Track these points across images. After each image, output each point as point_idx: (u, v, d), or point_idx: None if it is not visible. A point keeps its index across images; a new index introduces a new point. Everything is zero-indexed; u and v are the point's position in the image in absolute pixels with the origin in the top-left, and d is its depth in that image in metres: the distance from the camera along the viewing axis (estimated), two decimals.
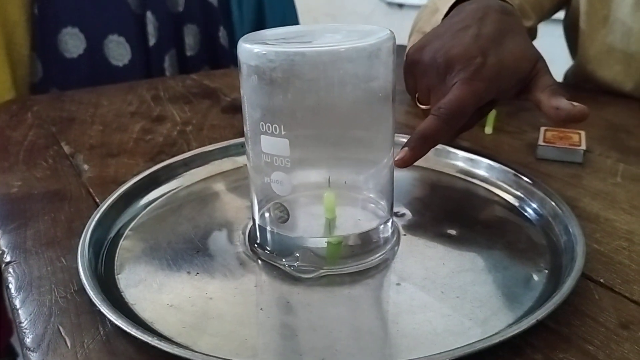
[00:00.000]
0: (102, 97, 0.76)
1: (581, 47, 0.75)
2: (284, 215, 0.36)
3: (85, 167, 0.54)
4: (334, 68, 0.32)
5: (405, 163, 0.38)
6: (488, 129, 0.60)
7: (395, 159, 0.38)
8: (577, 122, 0.40)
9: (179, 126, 0.64)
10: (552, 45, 0.87)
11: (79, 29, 0.93)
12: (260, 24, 1.34)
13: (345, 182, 0.38)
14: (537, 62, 0.43)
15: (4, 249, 0.40)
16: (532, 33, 0.77)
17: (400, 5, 2.44)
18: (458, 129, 0.42)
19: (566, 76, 0.83)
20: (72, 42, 0.93)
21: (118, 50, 0.96)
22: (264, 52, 0.32)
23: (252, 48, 0.33)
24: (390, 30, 0.34)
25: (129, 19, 0.97)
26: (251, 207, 0.38)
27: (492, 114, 0.63)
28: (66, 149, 0.58)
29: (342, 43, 0.33)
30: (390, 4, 2.49)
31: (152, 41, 0.99)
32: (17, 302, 0.34)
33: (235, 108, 0.71)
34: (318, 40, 0.35)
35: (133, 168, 0.53)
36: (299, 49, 0.32)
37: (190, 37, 1.05)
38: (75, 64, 0.94)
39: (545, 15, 0.77)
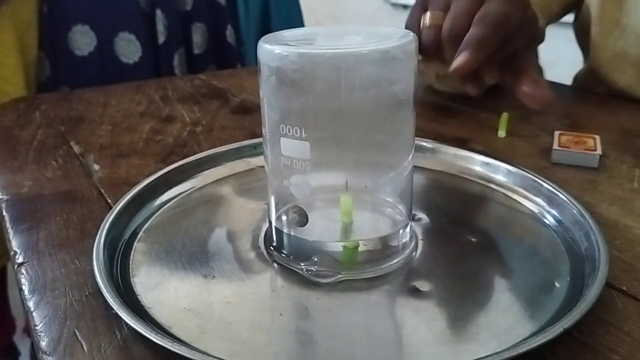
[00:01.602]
0: (110, 97, 0.75)
1: (593, 51, 0.74)
2: (302, 219, 0.35)
3: (96, 167, 0.53)
4: (356, 70, 0.32)
5: (467, 66, 0.40)
6: (501, 133, 0.59)
7: (454, 65, 0.38)
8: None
9: (188, 127, 0.64)
10: (559, 48, 0.87)
11: (90, 27, 0.93)
12: (265, 23, 1.34)
13: (365, 186, 0.37)
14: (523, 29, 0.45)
15: (15, 249, 0.40)
16: (541, 34, 0.76)
17: (405, 6, 2.43)
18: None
19: (576, 79, 0.83)
20: (83, 39, 0.93)
21: (128, 48, 0.96)
22: (286, 53, 0.32)
23: (273, 49, 0.32)
24: (412, 33, 0.34)
25: (139, 17, 0.96)
26: (268, 210, 0.38)
27: (505, 118, 0.62)
28: (76, 148, 0.58)
29: (364, 45, 0.32)
30: (394, 5, 2.49)
31: (161, 39, 0.99)
32: (31, 305, 0.34)
33: (245, 109, 0.70)
34: (339, 42, 0.35)
35: (144, 169, 0.52)
36: (321, 51, 0.32)
37: (198, 35, 1.05)
38: (85, 61, 0.93)
39: (554, 17, 0.76)
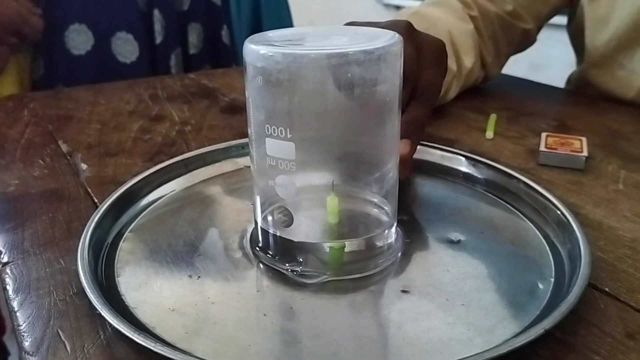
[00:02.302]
0: (99, 96, 0.75)
1: (585, 53, 0.75)
2: (287, 219, 0.35)
3: (83, 166, 0.53)
4: (342, 71, 0.32)
5: (410, 155, 0.41)
6: (489, 134, 0.60)
7: (401, 152, 0.39)
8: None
9: (177, 126, 0.64)
10: (551, 50, 0.87)
11: (87, 26, 0.93)
12: (256, 23, 1.34)
13: (350, 187, 0.37)
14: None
15: (0, 249, 0.40)
16: (530, 36, 0.77)
17: (397, 7, 2.44)
18: None
19: (569, 81, 0.83)
20: (80, 38, 0.93)
21: (126, 47, 0.96)
22: (271, 53, 0.32)
23: (258, 49, 0.32)
24: (397, 34, 0.34)
25: (136, 16, 0.96)
26: (254, 210, 0.38)
27: (493, 119, 0.63)
28: (63, 147, 0.58)
29: (350, 46, 0.32)
30: (387, 6, 2.50)
31: (158, 39, 0.99)
32: (15, 305, 0.34)
33: (234, 108, 0.70)
34: (325, 42, 0.35)
35: (132, 168, 0.52)
36: (306, 51, 0.32)
37: (194, 35, 1.05)
38: (81, 60, 0.93)
39: (543, 19, 0.77)
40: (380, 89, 0.33)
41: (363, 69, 0.32)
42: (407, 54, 0.38)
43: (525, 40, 0.77)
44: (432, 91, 0.47)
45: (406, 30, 0.46)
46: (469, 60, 0.68)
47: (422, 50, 0.46)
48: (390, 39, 0.33)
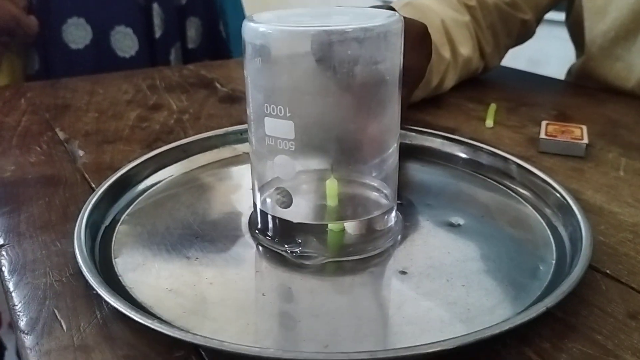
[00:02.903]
0: (97, 86, 0.75)
1: (585, 45, 0.74)
2: (286, 200, 0.35)
3: (81, 153, 0.53)
4: (341, 48, 0.32)
5: None
6: (489, 122, 0.59)
7: None
8: None
9: (175, 114, 0.63)
10: (549, 46, 0.87)
11: (85, 20, 0.92)
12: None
13: (349, 170, 0.37)
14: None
15: None
16: (529, 27, 0.76)
17: None
18: None
19: (570, 72, 0.83)
20: (78, 32, 0.92)
21: (125, 42, 0.95)
22: (270, 30, 0.31)
23: (257, 27, 0.32)
24: (398, 14, 0.34)
25: (135, 10, 0.95)
26: (252, 193, 0.37)
27: (493, 108, 0.62)
28: (60, 135, 0.57)
29: (350, 23, 0.32)
30: (388, 3, 2.49)
31: (158, 33, 0.98)
32: (10, 285, 0.33)
33: (233, 98, 0.70)
34: (325, 20, 0.34)
35: (129, 155, 0.52)
36: (305, 28, 0.31)
37: (193, 30, 1.04)
38: (80, 54, 0.92)
39: (541, 11, 0.77)
40: (380, 67, 0.33)
41: (363, 47, 0.32)
42: None
43: (524, 32, 0.77)
44: (413, 73, 0.48)
45: None
46: (465, 50, 0.68)
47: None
48: (390, 16, 0.33)
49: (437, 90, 0.66)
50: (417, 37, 0.48)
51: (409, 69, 0.46)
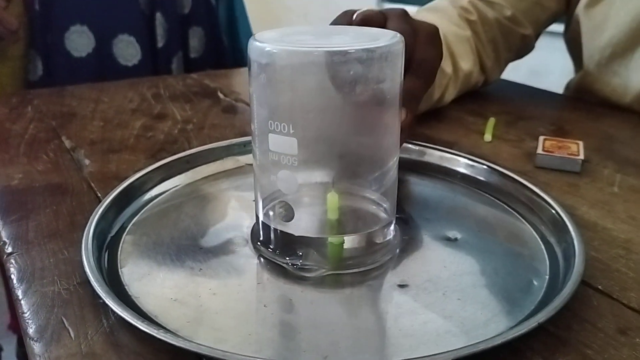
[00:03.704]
0: (102, 94, 0.76)
1: (583, 60, 0.76)
2: (288, 214, 0.36)
3: (87, 161, 0.54)
4: (344, 69, 0.33)
5: (405, 125, 0.40)
6: (487, 137, 0.60)
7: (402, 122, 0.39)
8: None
9: (179, 124, 0.65)
10: (549, 58, 0.88)
11: (88, 28, 0.93)
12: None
13: (350, 184, 0.38)
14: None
15: (5, 240, 0.40)
16: (529, 42, 0.78)
17: None
18: None
19: (568, 87, 0.84)
20: (81, 40, 0.93)
21: (128, 50, 0.96)
22: (276, 50, 0.33)
23: (263, 46, 0.33)
24: (399, 34, 0.35)
25: (138, 19, 0.96)
26: (255, 205, 0.38)
27: (492, 122, 0.64)
28: (67, 143, 0.58)
29: (352, 44, 0.33)
30: (381, 7, 2.50)
31: (161, 42, 0.99)
32: (19, 293, 0.34)
33: (236, 108, 0.71)
34: (328, 40, 0.35)
35: (134, 164, 0.53)
36: (309, 49, 0.32)
37: (195, 39, 1.06)
38: (82, 62, 0.93)
39: (541, 26, 0.78)
40: (381, 87, 0.34)
41: (365, 67, 0.33)
42: (403, 30, 0.39)
43: (524, 46, 0.78)
44: (428, 64, 0.47)
45: (403, 13, 0.47)
46: (466, 64, 0.69)
47: (417, 30, 0.46)
48: (391, 38, 0.34)
49: (439, 103, 0.67)
50: (429, 34, 0.48)
51: (424, 61, 0.46)
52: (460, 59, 0.69)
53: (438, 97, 0.66)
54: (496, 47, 0.75)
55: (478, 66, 0.73)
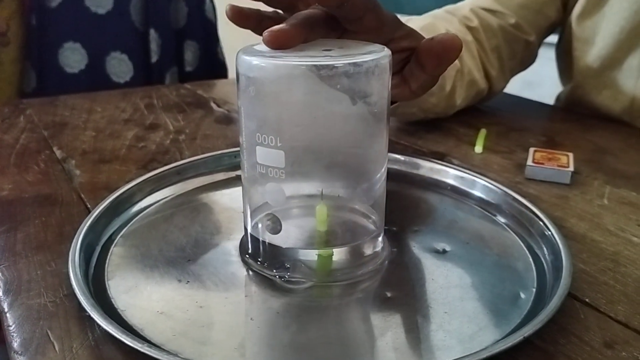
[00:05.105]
0: (95, 104, 0.76)
1: (574, 72, 0.76)
2: (276, 226, 0.36)
3: (77, 172, 0.54)
4: (331, 82, 0.33)
5: (277, 36, 0.33)
6: (478, 148, 0.61)
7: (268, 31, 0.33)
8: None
9: (172, 135, 0.65)
10: (542, 67, 0.89)
11: (81, 45, 0.93)
12: None
13: (338, 196, 0.38)
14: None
15: None
16: (532, 49, 0.77)
17: None
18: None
19: (559, 98, 0.84)
20: (74, 57, 0.93)
21: (120, 67, 0.96)
22: (263, 64, 0.33)
23: (251, 60, 0.33)
24: (387, 49, 0.35)
25: (132, 36, 0.97)
26: (244, 217, 0.38)
27: (483, 134, 0.64)
28: (58, 153, 0.58)
29: (340, 58, 0.33)
30: None
31: (154, 58, 0.99)
32: (5, 305, 0.34)
33: (229, 119, 0.71)
34: (316, 54, 0.36)
35: (125, 175, 0.53)
36: (297, 63, 0.33)
37: (190, 53, 1.06)
38: (75, 78, 0.94)
39: (544, 34, 0.78)
40: (368, 101, 0.34)
41: (352, 81, 0.33)
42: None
43: (528, 54, 0.77)
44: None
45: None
46: (468, 60, 0.68)
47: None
48: (379, 52, 0.34)
49: (449, 100, 0.65)
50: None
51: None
52: (464, 55, 0.68)
53: (449, 90, 0.64)
54: (500, 55, 0.73)
55: (482, 72, 0.72)
